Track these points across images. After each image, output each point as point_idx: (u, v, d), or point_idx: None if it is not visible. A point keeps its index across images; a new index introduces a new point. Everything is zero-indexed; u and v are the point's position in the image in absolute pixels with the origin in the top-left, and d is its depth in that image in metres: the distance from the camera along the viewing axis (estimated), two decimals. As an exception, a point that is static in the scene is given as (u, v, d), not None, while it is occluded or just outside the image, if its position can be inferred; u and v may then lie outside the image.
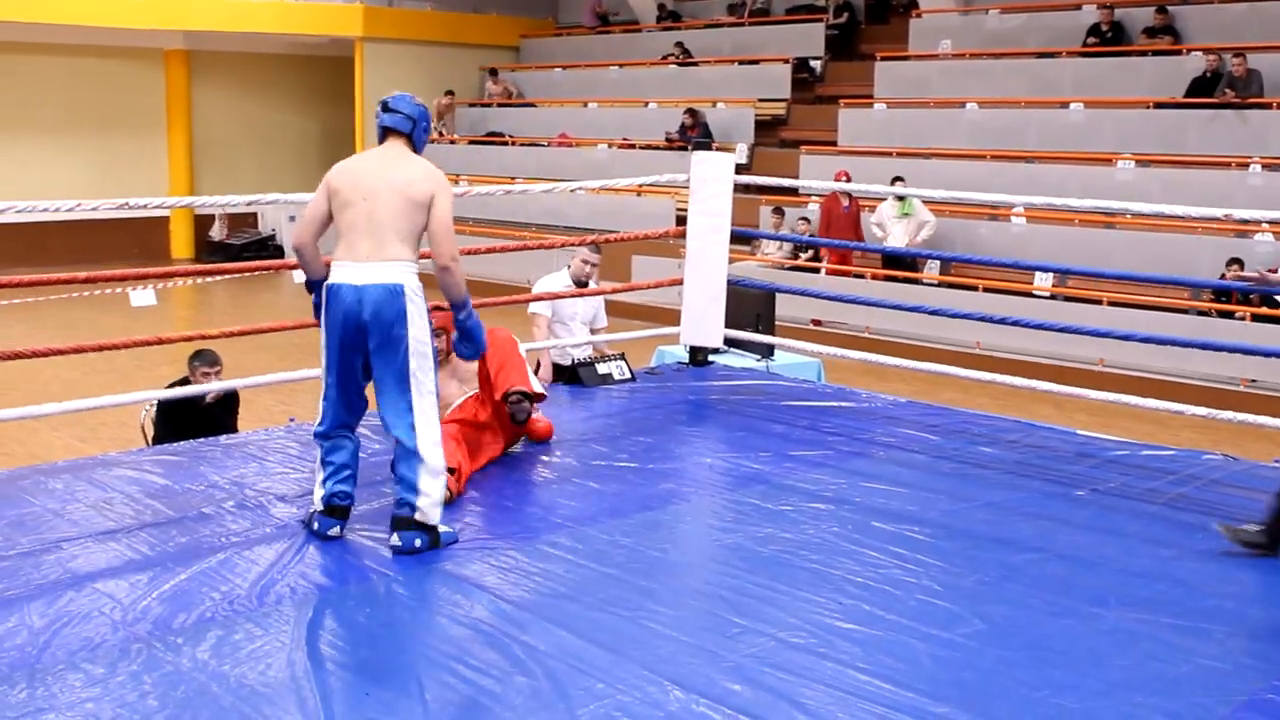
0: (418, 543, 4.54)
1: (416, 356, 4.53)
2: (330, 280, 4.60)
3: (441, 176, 4.71)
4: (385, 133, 4.79)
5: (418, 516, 4.54)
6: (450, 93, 22.38)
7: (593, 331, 7.89)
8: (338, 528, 4.69)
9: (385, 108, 4.79)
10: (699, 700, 3.49)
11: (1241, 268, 12.15)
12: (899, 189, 13.85)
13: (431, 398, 4.59)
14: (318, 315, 4.73)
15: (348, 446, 4.75)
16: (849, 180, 14.72)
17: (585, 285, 7.75)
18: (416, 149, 4.81)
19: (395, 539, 4.55)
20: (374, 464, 5.78)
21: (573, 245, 7.91)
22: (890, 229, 14.80)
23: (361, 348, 4.56)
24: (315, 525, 4.71)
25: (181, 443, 6.19)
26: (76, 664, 3.64)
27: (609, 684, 3.58)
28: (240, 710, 3.39)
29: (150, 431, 7.08)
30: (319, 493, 4.73)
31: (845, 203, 15.33)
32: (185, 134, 22.67)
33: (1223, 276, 12.18)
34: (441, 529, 4.64)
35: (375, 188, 4.56)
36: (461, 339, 4.85)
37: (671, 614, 4.13)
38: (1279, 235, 12.49)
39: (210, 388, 6.71)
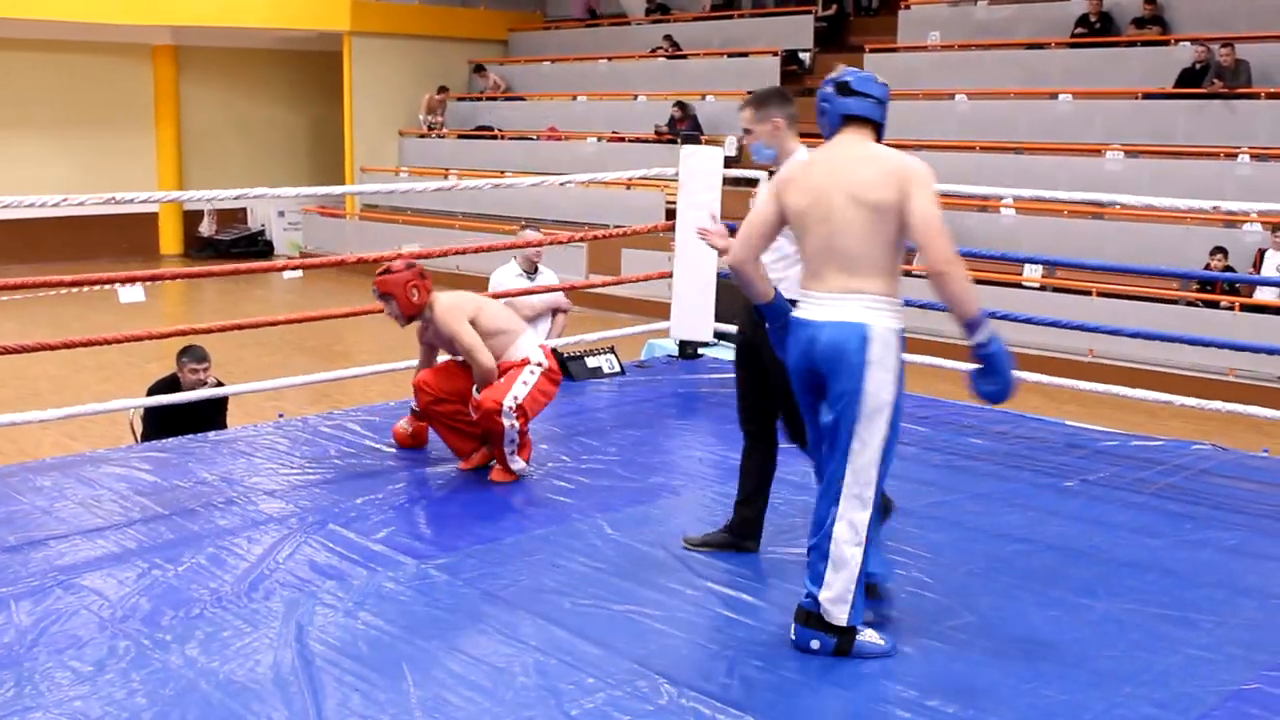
0: (815, 644, 3.75)
1: (867, 419, 3.65)
2: (795, 313, 3.82)
3: (913, 164, 3.73)
4: (844, 121, 3.84)
5: (823, 613, 3.74)
6: (444, 89, 22.34)
7: (556, 314, 7.75)
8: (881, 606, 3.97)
9: (846, 89, 3.82)
10: (689, 694, 3.49)
11: (1225, 256, 12.17)
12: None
13: (873, 481, 3.71)
14: (779, 349, 3.97)
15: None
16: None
17: (536, 269, 7.68)
18: (880, 139, 3.87)
19: (793, 632, 3.82)
20: (364, 460, 5.77)
21: (563, 241, 7.89)
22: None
23: (813, 391, 3.81)
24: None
25: (170, 439, 6.17)
26: (64, 662, 3.64)
27: (599, 678, 3.58)
28: (229, 707, 3.38)
29: (139, 428, 7.06)
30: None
31: None
32: (174, 130, 22.60)
33: (1207, 266, 12.21)
34: (864, 637, 3.76)
35: (834, 206, 3.68)
36: (981, 373, 3.68)
37: (661, 608, 4.13)
38: (1268, 225, 12.50)
39: (204, 394, 6.67)
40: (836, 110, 3.82)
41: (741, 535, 4.65)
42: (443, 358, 5.76)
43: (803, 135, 4.48)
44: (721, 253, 4.37)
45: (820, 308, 3.71)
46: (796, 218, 3.78)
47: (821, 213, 3.69)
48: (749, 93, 4.67)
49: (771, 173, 4.53)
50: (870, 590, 3.90)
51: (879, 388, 3.63)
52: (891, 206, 3.63)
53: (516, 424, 5.36)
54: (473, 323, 5.45)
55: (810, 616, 3.75)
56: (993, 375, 3.65)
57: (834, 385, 3.67)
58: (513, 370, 5.46)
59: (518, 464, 5.46)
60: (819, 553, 3.74)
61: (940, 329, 13.31)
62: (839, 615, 3.70)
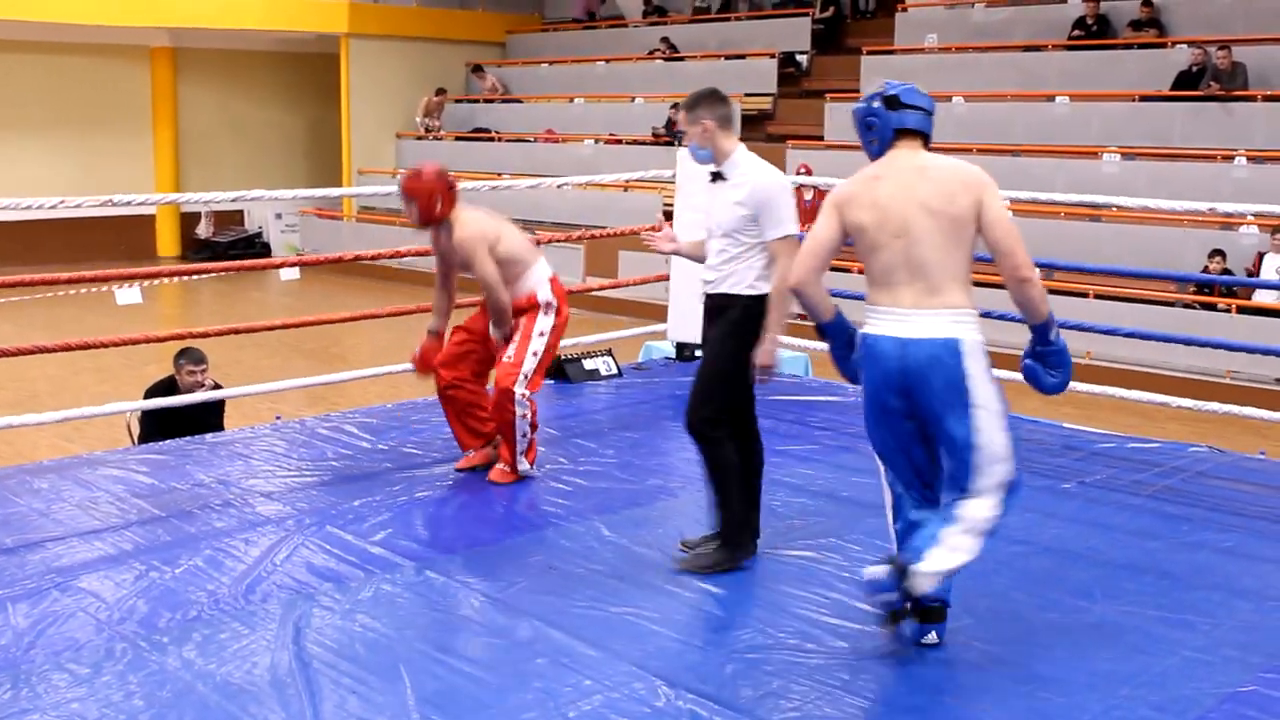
0: (934, 637, 3.82)
1: (983, 431, 3.63)
2: (868, 330, 3.73)
3: (980, 172, 3.73)
4: (897, 135, 3.79)
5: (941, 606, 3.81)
6: (442, 90, 22.35)
7: None
8: (933, 633, 3.85)
9: (895, 103, 3.80)
10: (686, 696, 3.49)
11: (1224, 259, 12.19)
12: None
13: (998, 487, 3.68)
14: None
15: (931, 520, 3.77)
16: (809, 174, 14.81)
17: None
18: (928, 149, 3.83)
19: (932, 635, 3.81)
20: (361, 462, 5.77)
21: (559, 241, 7.89)
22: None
23: (903, 413, 3.72)
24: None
25: (167, 441, 6.17)
26: (61, 664, 3.64)
27: (596, 680, 3.58)
28: (226, 709, 3.38)
29: (136, 430, 7.06)
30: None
31: (809, 195, 15.34)
32: (171, 131, 22.60)
33: (1205, 269, 12.21)
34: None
35: (908, 219, 3.63)
36: (1049, 368, 3.85)
37: (659, 610, 4.13)
38: (1264, 228, 12.51)
39: (202, 396, 6.67)
40: (888, 125, 3.77)
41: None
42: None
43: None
44: (671, 254, 4.49)
45: (903, 324, 3.64)
46: (863, 234, 3.69)
47: (896, 227, 3.63)
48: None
49: (716, 174, 4.54)
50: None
51: (988, 399, 3.64)
52: (968, 216, 3.62)
53: (529, 413, 5.36)
54: (491, 250, 5.35)
55: (934, 614, 3.78)
56: (1061, 368, 3.83)
57: (933, 403, 3.63)
58: (525, 324, 5.40)
59: (523, 465, 5.46)
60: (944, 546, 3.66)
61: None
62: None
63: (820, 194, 15.33)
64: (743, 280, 4.38)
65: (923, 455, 3.78)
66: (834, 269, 3.93)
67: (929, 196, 3.63)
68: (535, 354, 5.38)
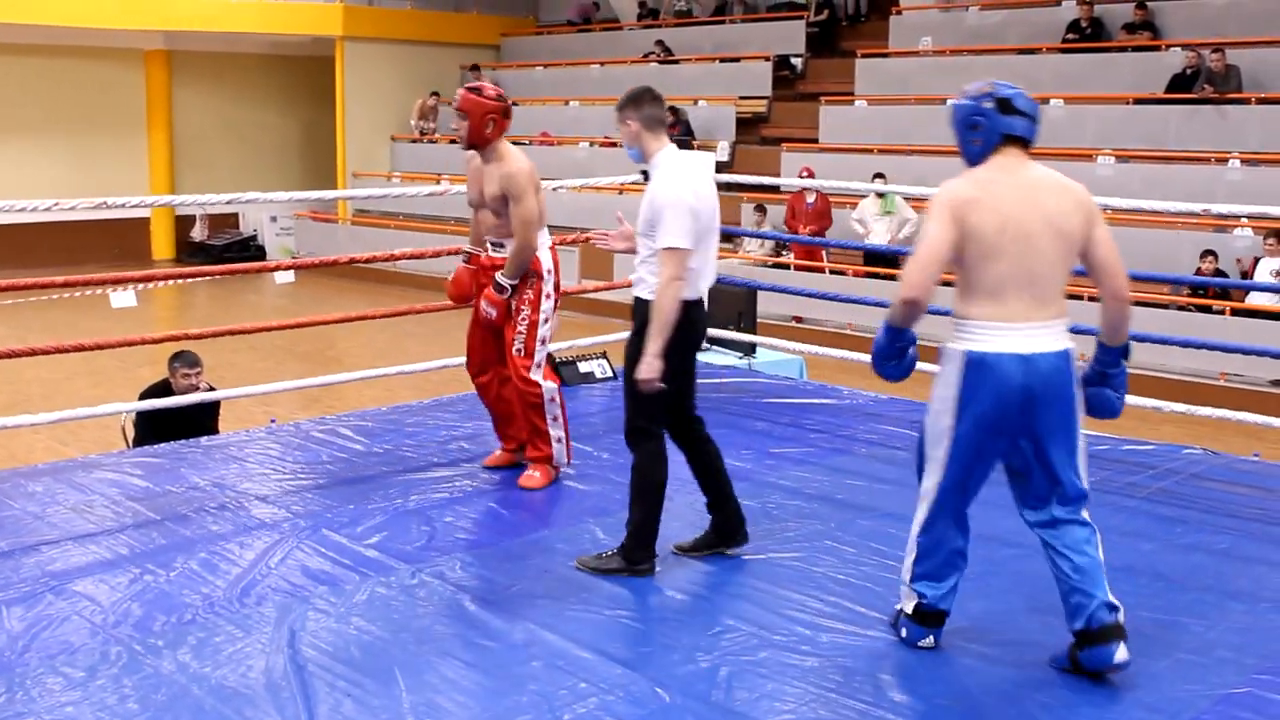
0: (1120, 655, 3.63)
1: (1080, 435, 3.66)
2: (976, 347, 3.58)
3: (1085, 190, 3.68)
4: (1004, 140, 3.63)
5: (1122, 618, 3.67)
6: (436, 93, 22.35)
7: None
8: (930, 638, 3.85)
9: (1008, 106, 3.62)
10: (681, 698, 3.50)
11: (1215, 259, 12.20)
12: (878, 185, 13.90)
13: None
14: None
15: (963, 562, 3.86)
16: (812, 176, 14.82)
17: None
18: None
19: (1121, 653, 3.63)
20: (356, 466, 5.77)
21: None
22: (872, 226, 14.82)
23: (1018, 431, 3.62)
24: (904, 633, 3.89)
25: (162, 445, 6.17)
26: (56, 667, 3.63)
27: (591, 683, 3.58)
28: (221, 713, 3.38)
29: (130, 433, 7.05)
30: (911, 597, 3.86)
31: (810, 198, 15.34)
32: (166, 135, 22.57)
33: (1198, 271, 12.23)
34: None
35: (1030, 229, 3.53)
36: (1115, 387, 3.80)
37: (653, 612, 4.13)
38: (1258, 230, 12.53)
39: (196, 398, 6.65)
40: (997, 128, 3.61)
41: (724, 536, 4.65)
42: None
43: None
44: (624, 252, 4.49)
45: (1023, 339, 3.54)
46: (979, 241, 3.53)
47: (1018, 238, 3.52)
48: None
49: (645, 174, 4.54)
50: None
51: (1079, 405, 3.67)
52: (1079, 233, 3.58)
53: (556, 398, 5.38)
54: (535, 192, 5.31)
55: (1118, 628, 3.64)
56: (1123, 387, 3.82)
57: (1051, 417, 3.58)
58: (530, 300, 5.34)
59: (561, 460, 5.46)
60: (1097, 563, 3.69)
61: (929, 333, 13.36)
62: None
63: (823, 197, 15.37)
64: (649, 285, 4.35)
65: (979, 487, 3.79)
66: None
67: (1054, 213, 3.55)
68: (543, 341, 5.39)
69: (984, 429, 3.60)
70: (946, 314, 3.71)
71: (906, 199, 14.67)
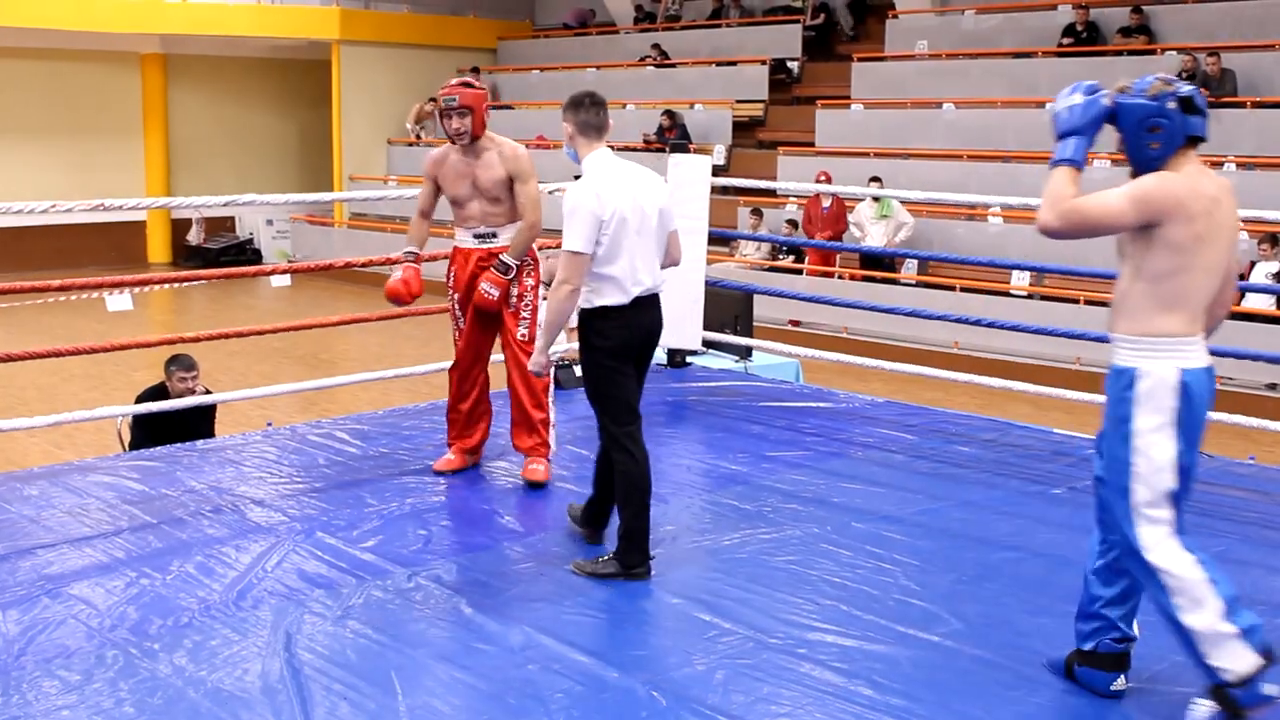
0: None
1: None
2: (1185, 364, 3.32)
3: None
4: (1187, 142, 3.36)
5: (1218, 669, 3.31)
6: (433, 99, 22.34)
7: None
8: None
9: (1191, 106, 3.35)
10: (677, 701, 3.50)
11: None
12: (874, 189, 13.92)
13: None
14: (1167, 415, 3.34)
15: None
16: (829, 181, 14.78)
17: None
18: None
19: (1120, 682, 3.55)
20: (352, 469, 5.77)
21: (550, 247, 7.87)
22: (868, 230, 14.84)
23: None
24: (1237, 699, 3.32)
25: (158, 448, 6.16)
26: (52, 671, 3.63)
27: (588, 687, 3.58)
28: (217, 716, 3.38)
29: (126, 437, 7.05)
30: (1241, 646, 3.32)
31: (826, 203, 15.36)
32: (162, 138, 22.56)
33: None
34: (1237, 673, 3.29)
35: (1219, 240, 3.34)
36: None
37: (649, 616, 4.14)
38: (1253, 234, 12.55)
39: (192, 402, 6.65)
40: (1181, 130, 3.34)
41: (589, 521, 4.81)
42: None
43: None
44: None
45: (1205, 352, 3.39)
46: (1195, 241, 3.29)
47: (1211, 249, 3.32)
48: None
49: (576, 177, 4.61)
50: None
51: None
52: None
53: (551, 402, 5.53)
54: None
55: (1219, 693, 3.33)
56: None
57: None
58: (531, 287, 5.45)
59: (554, 446, 5.60)
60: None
61: (925, 336, 13.39)
62: (1235, 661, 3.32)
63: (839, 201, 15.36)
64: (584, 291, 4.45)
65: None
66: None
67: (1231, 218, 3.37)
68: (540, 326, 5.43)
69: (1194, 450, 3.37)
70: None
71: (902, 202, 14.68)
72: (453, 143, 5.39)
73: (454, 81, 5.41)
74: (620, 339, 4.41)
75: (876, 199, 14.60)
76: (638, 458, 4.46)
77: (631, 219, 4.39)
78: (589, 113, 4.55)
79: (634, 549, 4.44)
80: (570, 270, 4.33)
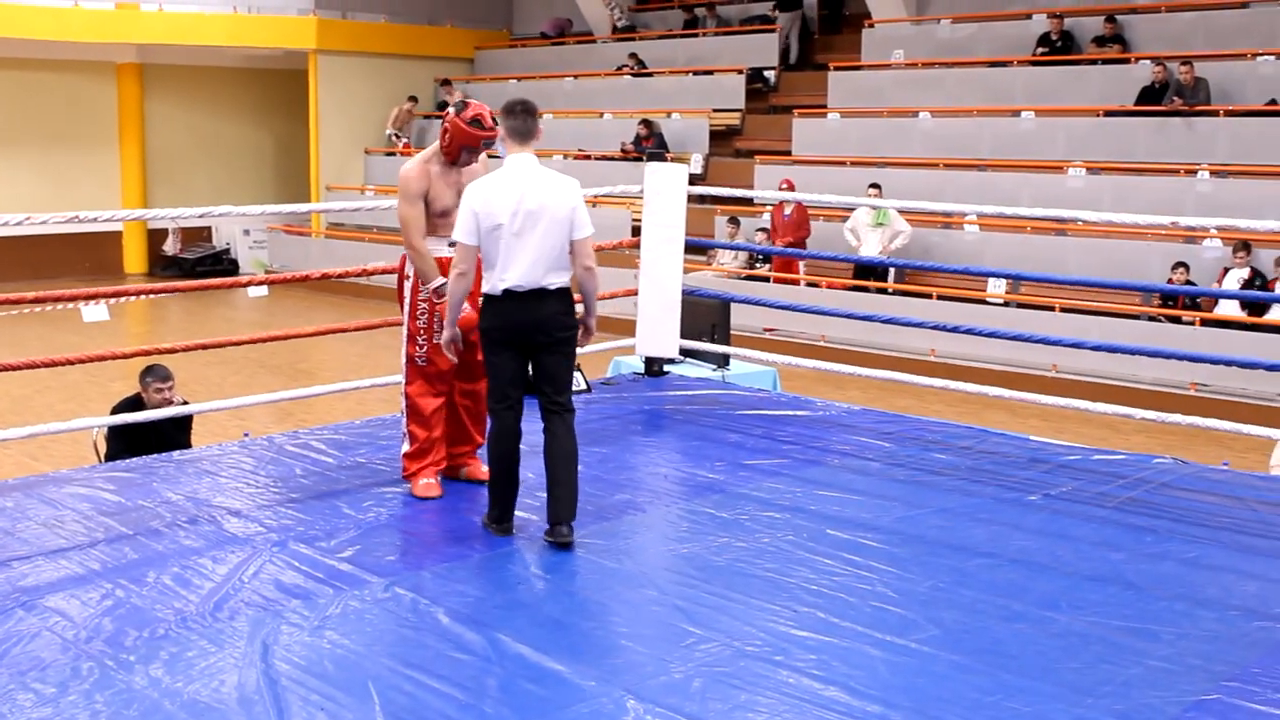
0: None
1: None
2: None
3: None
4: None
5: None
6: (413, 98, 22.34)
7: None
8: None
9: None
10: (655, 710, 3.50)
11: (1187, 271, 12.31)
12: (857, 199, 13.97)
13: None
14: None
15: None
16: (792, 188, 14.90)
17: None
18: None
19: None
20: (329, 479, 5.76)
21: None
22: (864, 237, 14.79)
23: None
24: None
25: (134, 459, 6.14)
26: (27, 683, 3.61)
27: (566, 695, 3.58)
28: (193, 727, 3.37)
29: (102, 448, 7.01)
30: None
31: (787, 210, 15.38)
32: (138, 148, 22.48)
33: (1169, 281, 12.34)
34: None
35: None
36: None
37: (627, 624, 4.14)
38: (1227, 241, 12.64)
39: (169, 412, 6.61)
40: None
41: (549, 518, 4.90)
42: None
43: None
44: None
45: None
46: None
47: None
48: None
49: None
50: None
51: None
52: None
53: None
54: None
55: None
56: None
57: None
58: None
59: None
60: None
61: (902, 344, 13.43)
62: None
63: (800, 208, 15.40)
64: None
65: None
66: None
67: None
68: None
69: None
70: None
71: (875, 209, 14.67)
72: (453, 163, 5.41)
73: (485, 111, 5.39)
74: (494, 325, 4.84)
75: (873, 207, 14.65)
76: (501, 433, 4.86)
77: (509, 222, 4.76)
78: (518, 120, 4.93)
79: (492, 504, 4.94)
80: (458, 256, 4.86)
